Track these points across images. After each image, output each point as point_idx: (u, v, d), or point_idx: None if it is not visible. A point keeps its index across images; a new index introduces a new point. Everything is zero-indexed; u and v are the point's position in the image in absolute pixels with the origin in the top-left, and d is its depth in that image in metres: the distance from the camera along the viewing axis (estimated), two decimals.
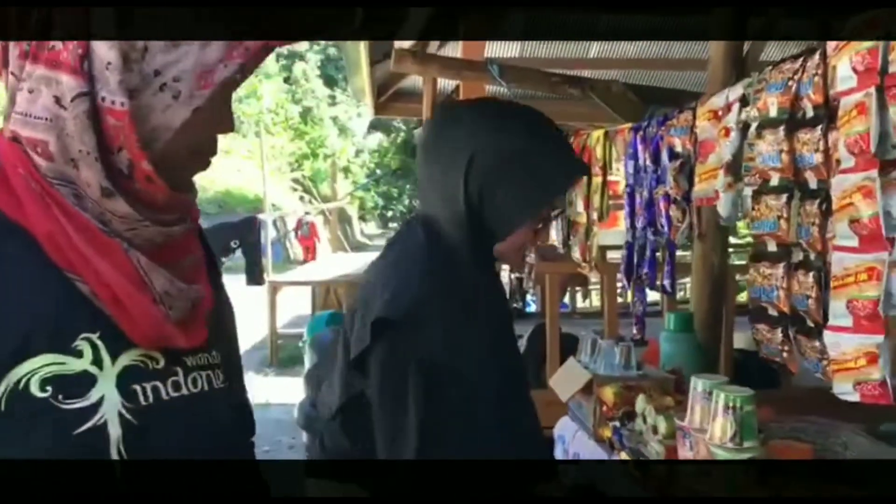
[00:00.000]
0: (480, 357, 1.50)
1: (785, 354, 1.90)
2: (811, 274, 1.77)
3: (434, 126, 1.59)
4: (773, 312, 1.91)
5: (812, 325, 1.78)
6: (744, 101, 2.08)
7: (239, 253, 9.60)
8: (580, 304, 9.95)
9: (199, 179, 1.07)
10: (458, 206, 1.47)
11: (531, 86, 4.38)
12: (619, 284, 3.27)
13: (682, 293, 8.06)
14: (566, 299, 9.92)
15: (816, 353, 1.78)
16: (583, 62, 5.03)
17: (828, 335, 1.69)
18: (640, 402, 2.84)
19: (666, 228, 2.44)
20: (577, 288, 9.42)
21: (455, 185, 1.47)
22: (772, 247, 1.90)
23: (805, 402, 3.38)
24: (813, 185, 1.81)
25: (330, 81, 25.04)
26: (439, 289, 1.44)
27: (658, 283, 2.76)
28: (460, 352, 1.45)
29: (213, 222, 9.69)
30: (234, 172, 21.32)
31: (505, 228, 1.51)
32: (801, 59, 1.87)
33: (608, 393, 3.08)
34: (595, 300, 9.84)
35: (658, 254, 2.71)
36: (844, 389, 1.67)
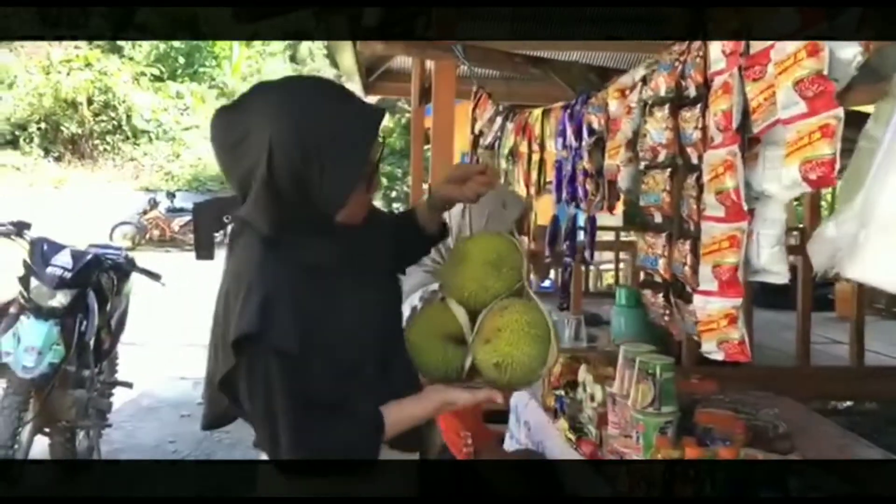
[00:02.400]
0: (342, 331, 1.55)
1: (667, 318, 2.03)
2: (688, 243, 1.90)
3: (223, 123, 1.53)
4: (657, 279, 2.03)
5: (689, 290, 1.91)
6: (645, 81, 2.19)
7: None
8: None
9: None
10: (278, 195, 1.47)
11: (494, 66, 4.47)
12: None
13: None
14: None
15: (692, 317, 1.90)
16: (548, 44, 5.08)
17: (697, 298, 1.83)
18: (582, 372, 2.97)
19: (583, 201, 2.56)
20: None
21: (263, 173, 1.45)
22: (657, 218, 2.02)
23: (761, 379, 3.52)
24: (694, 160, 1.93)
25: (336, 61, 25.05)
26: (282, 284, 1.47)
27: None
28: (318, 334, 1.50)
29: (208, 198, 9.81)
30: None
31: (336, 201, 1.52)
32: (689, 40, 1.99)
33: None
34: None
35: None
36: (710, 348, 1.80)
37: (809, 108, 1.51)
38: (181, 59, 23.80)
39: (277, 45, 25.40)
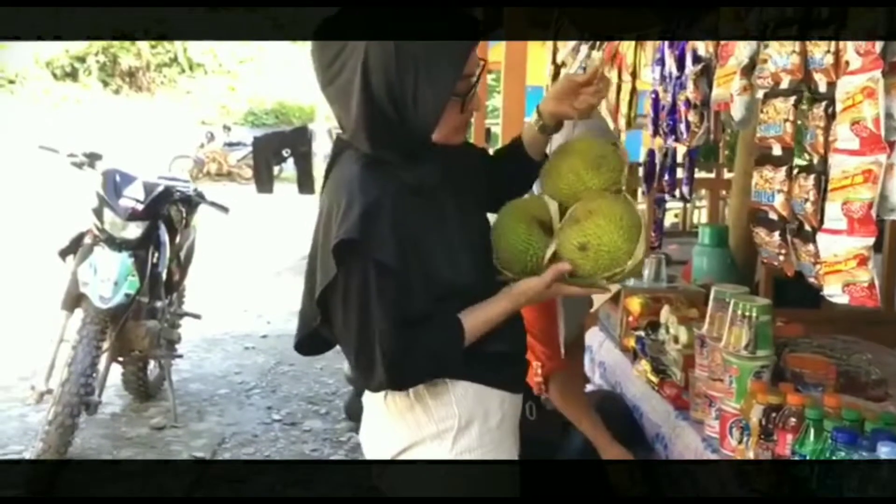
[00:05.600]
0: (442, 249, 1.56)
1: (782, 258, 1.90)
2: (812, 177, 1.76)
3: (320, 42, 1.52)
4: (772, 216, 1.90)
5: (809, 229, 1.78)
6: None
7: (291, 162, 9.70)
8: None
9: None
10: (375, 110, 1.47)
11: None
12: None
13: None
14: None
15: (811, 257, 1.78)
16: None
17: (821, 237, 1.69)
18: (665, 313, 2.88)
19: (685, 134, 2.42)
20: None
21: (359, 93, 1.45)
22: (776, 150, 1.88)
23: (845, 323, 3.39)
24: (822, 88, 1.78)
25: None
26: (383, 199, 1.48)
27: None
28: (419, 250, 1.52)
29: (267, 132, 9.80)
30: (291, 84, 21.38)
31: (431, 114, 1.49)
32: None
33: (635, 303, 3.13)
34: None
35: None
36: (834, 291, 1.67)
37: None
38: None
39: None
